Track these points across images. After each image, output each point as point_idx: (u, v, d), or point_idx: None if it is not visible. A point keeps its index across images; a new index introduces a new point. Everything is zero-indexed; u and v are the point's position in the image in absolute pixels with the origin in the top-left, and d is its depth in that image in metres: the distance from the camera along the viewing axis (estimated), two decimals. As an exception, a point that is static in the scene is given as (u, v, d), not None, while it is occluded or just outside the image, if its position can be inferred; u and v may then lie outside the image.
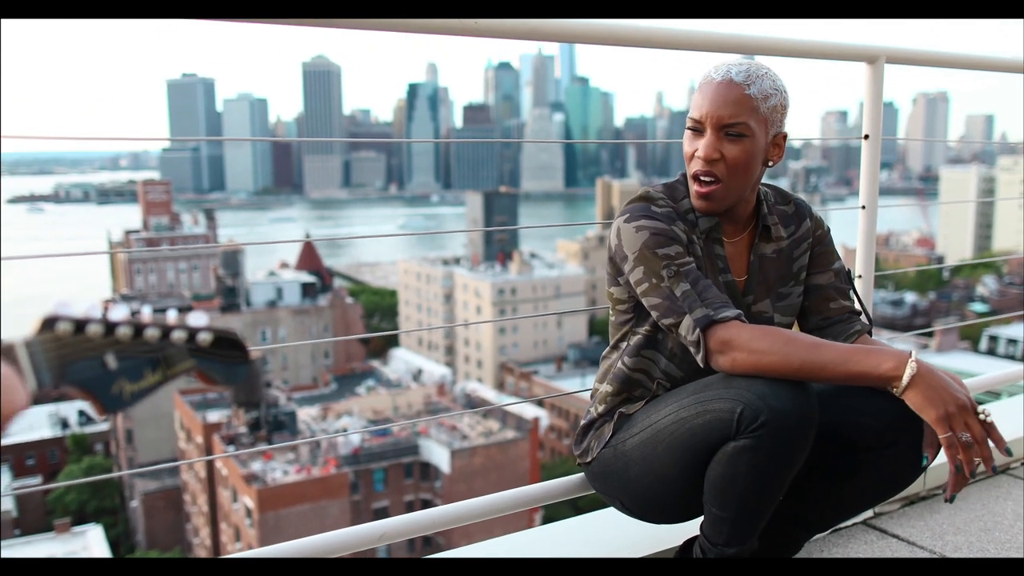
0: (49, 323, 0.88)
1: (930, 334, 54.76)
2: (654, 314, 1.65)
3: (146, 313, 0.94)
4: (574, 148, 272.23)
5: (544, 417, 48.23)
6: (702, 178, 1.68)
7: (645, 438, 1.68)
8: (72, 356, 0.88)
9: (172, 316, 0.95)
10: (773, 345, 1.51)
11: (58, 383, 0.88)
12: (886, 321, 69.59)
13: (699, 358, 1.58)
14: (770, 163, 1.74)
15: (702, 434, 1.56)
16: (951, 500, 1.48)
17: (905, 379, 1.47)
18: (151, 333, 0.92)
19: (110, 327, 0.90)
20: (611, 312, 1.81)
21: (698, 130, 1.68)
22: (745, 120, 1.64)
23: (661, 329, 1.71)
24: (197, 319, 0.94)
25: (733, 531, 1.59)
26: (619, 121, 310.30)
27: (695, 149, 1.68)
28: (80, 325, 0.89)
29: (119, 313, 0.91)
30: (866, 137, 2.39)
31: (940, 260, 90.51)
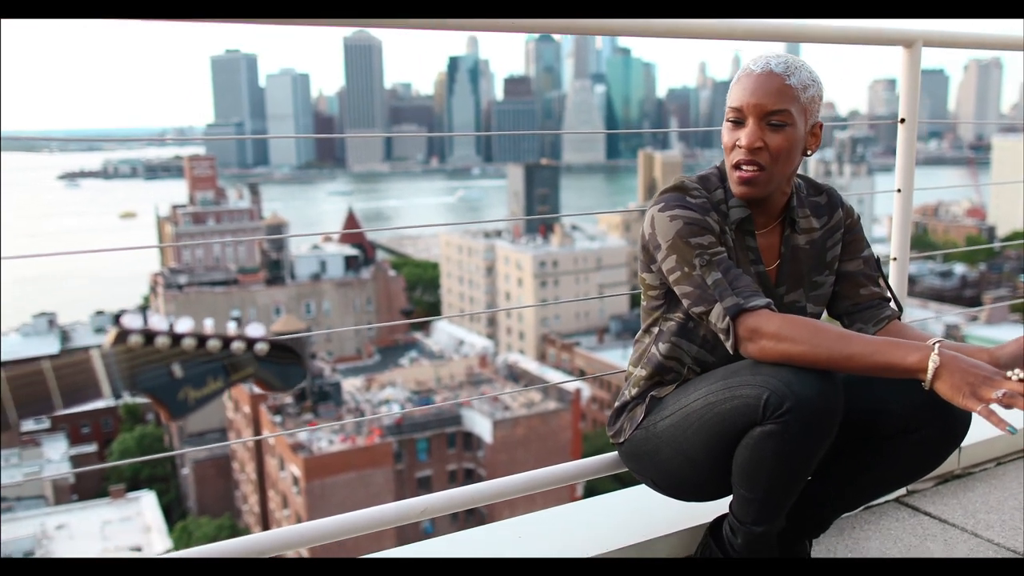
0: (122, 335, 0.97)
1: (980, 309, 53.66)
2: (685, 302, 1.69)
3: (208, 325, 1.02)
4: (616, 120, 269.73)
5: (586, 388, 48.35)
6: (744, 166, 1.71)
7: (675, 421, 1.73)
8: (142, 365, 0.97)
9: (232, 328, 1.03)
10: (801, 334, 1.55)
11: (130, 389, 0.98)
12: (934, 292, 68.37)
13: (729, 345, 1.63)
14: (808, 152, 1.77)
15: (730, 419, 1.61)
16: None
17: (930, 372, 1.48)
18: (213, 344, 1.00)
19: (176, 339, 0.99)
20: (643, 297, 1.87)
21: (739, 121, 1.71)
22: (787, 108, 1.67)
23: (692, 316, 1.76)
24: (255, 330, 1.02)
25: (760, 511, 1.65)
26: (661, 92, 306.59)
27: (736, 139, 1.71)
28: (149, 337, 0.98)
29: (184, 325, 1.00)
30: (902, 121, 2.40)
31: (991, 231, 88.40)
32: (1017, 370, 1.45)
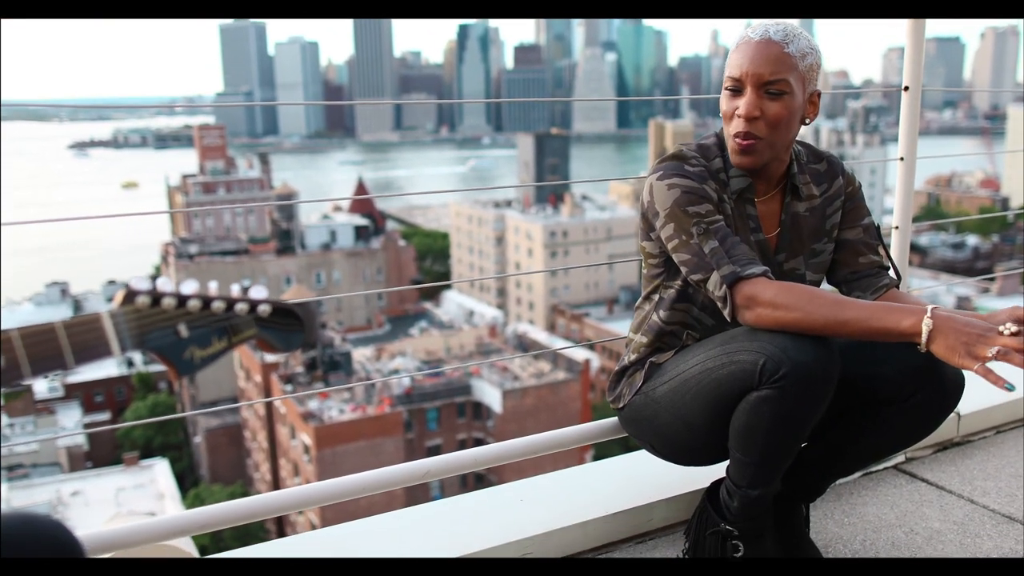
0: (130, 296, 1.00)
1: (992, 278, 53.44)
2: (683, 270, 1.71)
3: (212, 288, 1.06)
4: (627, 89, 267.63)
5: (595, 359, 48.48)
6: (742, 136, 1.71)
7: (674, 386, 1.76)
8: (150, 326, 1.01)
9: (236, 290, 1.06)
10: (797, 301, 1.57)
11: (138, 348, 1.02)
12: (946, 264, 68.01)
13: (726, 313, 1.65)
14: (807, 121, 1.77)
15: (727, 384, 1.63)
16: None
17: (924, 334, 1.50)
18: (217, 306, 1.04)
19: (182, 300, 1.02)
20: (643, 266, 1.89)
21: (737, 90, 1.71)
22: (785, 77, 1.67)
23: (691, 283, 1.78)
24: (258, 292, 1.06)
25: (756, 475, 1.68)
26: (673, 60, 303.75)
27: (735, 108, 1.72)
28: (156, 298, 1.01)
29: (189, 288, 1.03)
30: (906, 89, 2.40)
31: (1004, 201, 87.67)
32: (1009, 324, 1.46)
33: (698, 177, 1.73)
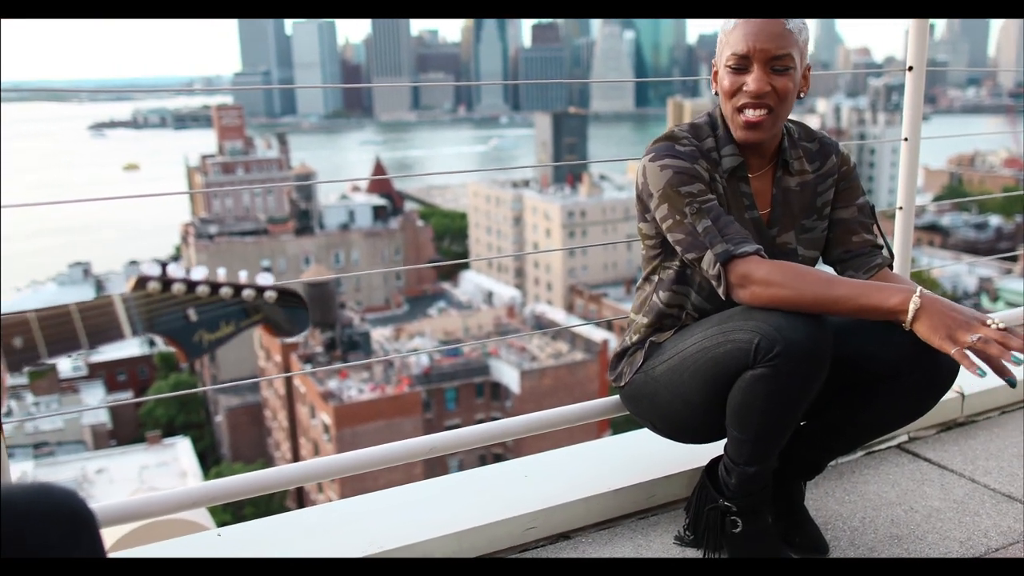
0: (142, 282, 1.05)
1: (1014, 258, 52.79)
2: (678, 249, 1.74)
3: (221, 274, 1.10)
4: (645, 67, 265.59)
5: (612, 339, 48.47)
6: (752, 109, 1.72)
7: (673, 365, 1.79)
8: (160, 310, 1.05)
9: (243, 276, 1.11)
10: (789, 279, 1.60)
11: (149, 332, 1.06)
12: (968, 245, 67.25)
13: (720, 291, 1.68)
14: (801, 95, 1.80)
15: (723, 363, 1.66)
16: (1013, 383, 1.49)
17: (910, 313, 1.53)
18: (225, 291, 1.08)
19: (191, 286, 1.07)
20: (642, 246, 1.91)
21: (742, 67, 1.73)
22: (789, 51, 1.70)
23: (688, 263, 1.81)
24: (264, 279, 1.10)
25: (753, 452, 1.72)
26: (692, 38, 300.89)
27: (740, 84, 1.73)
28: (167, 284, 1.06)
29: (198, 274, 1.08)
30: (910, 69, 2.40)
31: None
32: (998, 320, 1.51)
33: (689, 157, 1.75)
